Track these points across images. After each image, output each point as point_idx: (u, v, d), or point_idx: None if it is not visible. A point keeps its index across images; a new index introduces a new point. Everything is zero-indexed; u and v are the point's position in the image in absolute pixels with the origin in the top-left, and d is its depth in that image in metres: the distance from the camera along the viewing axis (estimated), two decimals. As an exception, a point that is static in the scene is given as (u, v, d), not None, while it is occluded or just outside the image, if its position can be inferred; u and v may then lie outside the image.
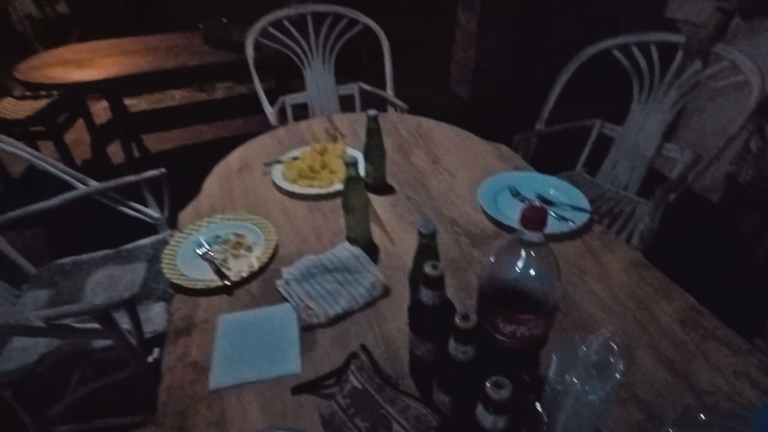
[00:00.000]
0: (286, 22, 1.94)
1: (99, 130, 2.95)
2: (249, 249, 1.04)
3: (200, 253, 1.03)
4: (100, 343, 1.13)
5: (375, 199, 1.20)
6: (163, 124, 3.41)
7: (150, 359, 1.14)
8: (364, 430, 0.64)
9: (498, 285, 0.63)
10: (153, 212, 1.47)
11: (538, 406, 0.63)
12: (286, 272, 0.95)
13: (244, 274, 0.96)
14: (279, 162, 1.32)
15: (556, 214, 1.11)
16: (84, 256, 1.42)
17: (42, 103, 2.62)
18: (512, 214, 1.12)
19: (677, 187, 1.45)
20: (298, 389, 0.74)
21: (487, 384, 0.47)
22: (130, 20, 3.89)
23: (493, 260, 0.64)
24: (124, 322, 1.06)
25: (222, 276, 0.96)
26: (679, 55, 1.54)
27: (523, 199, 1.18)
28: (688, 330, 0.83)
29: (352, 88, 2.09)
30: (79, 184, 1.38)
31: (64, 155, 2.67)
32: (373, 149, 1.17)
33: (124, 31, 2.94)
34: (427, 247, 0.72)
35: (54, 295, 1.29)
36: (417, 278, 0.74)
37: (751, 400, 0.71)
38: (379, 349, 0.81)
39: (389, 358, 0.79)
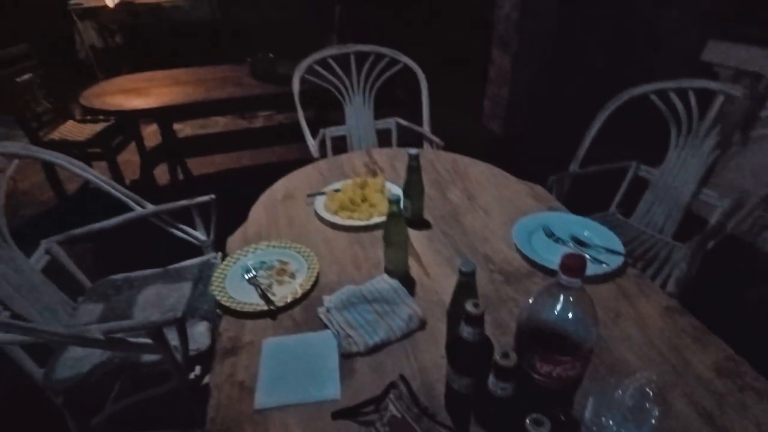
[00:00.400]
0: (330, 60, 2.06)
1: (148, 153, 3.14)
2: (292, 276, 1.10)
3: (247, 277, 1.10)
4: (147, 357, 1.20)
5: (412, 234, 1.25)
6: (206, 149, 3.59)
7: (192, 376, 1.19)
8: (402, 458, 0.67)
9: (536, 326, 0.66)
10: (200, 235, 1.56)
11: (573, 446, 0.65)
12: (328, 300, 1.01)
13: (289, 300, 1.02)
14: (322, 194, 1.39)
15: (590, 256, 1.13)
16: (135, 274, 1.51)
17: (100, 126, 2.83)
18: (546, 254, 1.14)
19: (715, 236, 1.44)
20: (338, 414, 0.78)
21: (528, 421, 0.50)
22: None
23: (531, 301, 0.67)
24: (171, 338, 1.13)
25: (267, 301, 1.02)
26: (718, 102, 1.55)
27: (557, 240, 1.21)
28: (725, 380, 0.83)
29: (390, 123, 2.18)
30: (136, 206, 1.48)
31: (116, 175, 2.85)
32: (413, 186, 1.23)
33: (174, 63, 3.17)
34: (467, 285, 0.76)
35: (106, 308, 1.37)
36: (455, 314, 0.78)
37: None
38: (415, 381, 0.84)
39: (425, 390, 0.82)
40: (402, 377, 0.77)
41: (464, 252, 1.19)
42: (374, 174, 1.56)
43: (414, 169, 1.20)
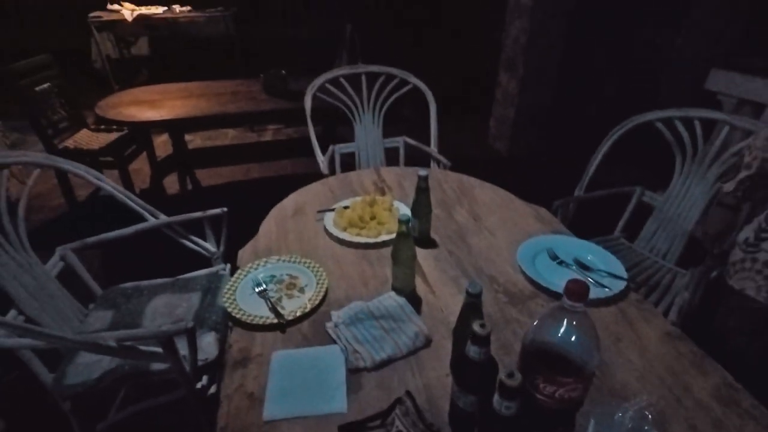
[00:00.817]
0: (341, 79, 2.12)
1: (159, 163, 3.20)
2: (301, 290, 1.13)
3: (257, 290, 1.13)
4: (156, 366, 1.22)
5: (419, 253, 1.28)
6: (215, 160, 3.65)
7: (199, 385, 1.21)
8: (407, 473, 0.69)
9: (540, 347, 0.69)
10: (210, 246, 1.59)
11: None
12: (336, 315, 1.03)
13: (298, 314, 1.04)
14: (331, 210, 1.43)
15: (592, 279, 1.16)
16: (144, 283, 1.54)
17: (113, 136, 2.89)
18: (550, 276, 1.17)
19: (719, 264, 1.46)
20: (345, 428, 0.80)
21: (531, 439, 0.52)
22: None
23: (536, 324, 0.70)
24: (180, 348, 1.15)
25: (277, 314, 1.04)
26: (724, 132, 1.57)
27: (561, 263, 1.24)
28: (724, 407, 0.85)
29: (398, 142, 2.23)
30: (149, 216, 1.52)
31: (126, 184, 2.89)
32: (421, 206, 1.26)
33: (189, 76, 3.25)
34: (473, 306, 0.79)
35: (116, 316, 1.40)
36: (461, 333, 0.81)
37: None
38: (420, 397, 0.86)
39: (429, 406, 0.84)
40: (408, 393, 0.80)
41: (469, 271, 1.21)
42: (383, 192, 1.60)
43: (423, 189, 1.24)
